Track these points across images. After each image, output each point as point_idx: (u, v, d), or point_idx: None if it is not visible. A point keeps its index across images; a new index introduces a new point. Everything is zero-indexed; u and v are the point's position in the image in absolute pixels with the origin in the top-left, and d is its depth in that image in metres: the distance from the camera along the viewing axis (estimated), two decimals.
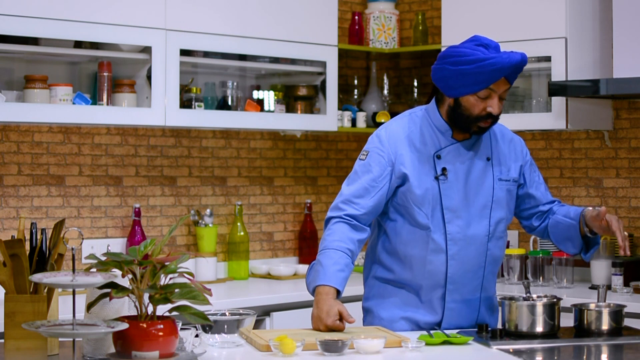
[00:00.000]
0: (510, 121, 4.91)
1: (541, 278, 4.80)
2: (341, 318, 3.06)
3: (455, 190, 3.24)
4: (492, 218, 3.27)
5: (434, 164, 3.24)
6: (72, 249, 2.60)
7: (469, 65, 3.16)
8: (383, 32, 5.44)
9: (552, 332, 3.10)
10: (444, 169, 3.23)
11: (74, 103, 4.29)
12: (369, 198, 3.24)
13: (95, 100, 4.43)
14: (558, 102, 4.70)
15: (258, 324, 4.37)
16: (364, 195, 3.24)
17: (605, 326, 3.13)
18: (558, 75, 4.67)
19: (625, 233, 3.21)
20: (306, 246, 5.34)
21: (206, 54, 4.73)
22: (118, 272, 2.62)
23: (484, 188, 3.27)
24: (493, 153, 3.32)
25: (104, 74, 4.42)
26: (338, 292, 3.14)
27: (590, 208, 3.30)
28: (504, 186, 3.30)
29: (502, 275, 4.93)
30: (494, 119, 3.22)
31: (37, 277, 2.53)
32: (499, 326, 3.17)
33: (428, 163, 3.24)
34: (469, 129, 3.23)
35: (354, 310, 3.19)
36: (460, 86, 3.19)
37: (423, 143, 3.26)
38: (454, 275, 3.24)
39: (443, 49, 5.03)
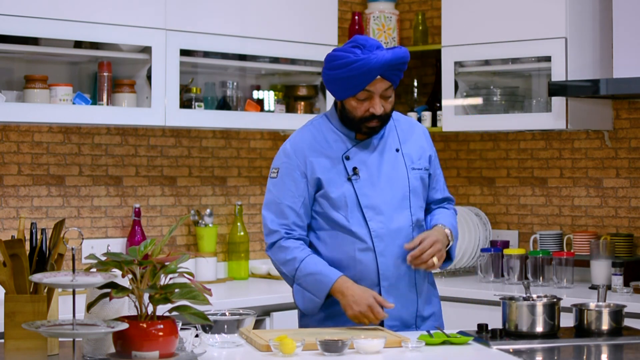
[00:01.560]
0: (510, 121, 4.93)
1: (541, 278, 4.80)
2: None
3: (371, 188, 3.24)
4: (412, 207, 3.27)
5: (344, 166, 3.25)
6: (72, 249, 2.60)
7: (341, 69, 3.16)
8: (383, 32, 5.44)
9: (552, 332, 3.10)
10: (354, 169, 3.24)
11: (74, 103, 4.29)
12: (295, 215, 3.24)
13: (95, 100, 4.43)
14: (558, 102, 4.70)
15: (258, 324, 4.37)
16: (289, 214, 3.24)
17: (605, 326, 3.13)
18: (558, 75, 4.67)
19: (431, 256, 3.15)
20: None
21: (206, 54, 4.73)
22: (118, 272, 2.62)
23: (399, 179, 3.27)
24: (401, 143, 3.32)
25: (104, 74, 4.42)
26: None
27: (431, 229, 3.24)
28: (417, 174, 3.30)
29: (502, 275, 4.93)
30: (381, 119, 3.21)
31: (37, 277, 2.53)
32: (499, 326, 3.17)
33: (339, 166, 3.25)
34: (359, 130, 3.23)
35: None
36: (339, 90, 3.20)
37: (329, 148, 3.26)
38: (385, 272, 3.23)
39: (443, 49, 5.07)
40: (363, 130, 3.24)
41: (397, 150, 3.30)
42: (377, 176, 3.25)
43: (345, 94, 3.20)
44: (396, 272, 3.24)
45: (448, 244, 3.27)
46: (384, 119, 3.23)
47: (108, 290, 2.61)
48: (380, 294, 3.22)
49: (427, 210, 3.41)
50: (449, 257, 3.32)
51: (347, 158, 3.25)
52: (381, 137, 3.31)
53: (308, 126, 3.34)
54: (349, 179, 3.24)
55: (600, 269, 4.66)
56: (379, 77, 3.16)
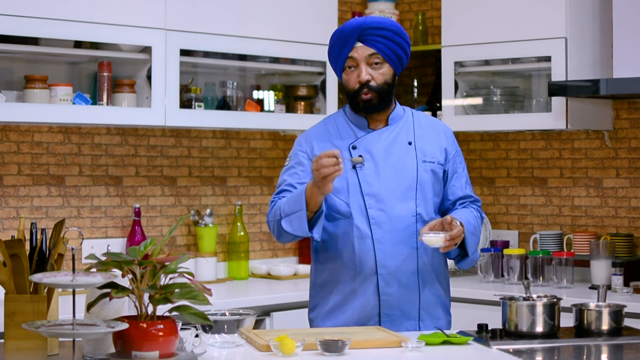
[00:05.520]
0: (510, 121, 4.93)
1: (541, 278, 4.80)
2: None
3: (375, 177, 3.27)
4: (418, 199, 3.28)
5: (350, 155, 3.29)
6: (72, 249, 2.60)
7: (329, 45, 3.32)
8: None
9: (552, 332, 3.10)
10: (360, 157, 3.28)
11: (74, 103, 4.29)
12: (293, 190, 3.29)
13: (95, 100, 4.43)
14: (558, 102, 4.70)
15: (258, 324, 4.37)
16: (288, 190, 3.28)
17: (605, 326, 3.13)
18: (558, 75, 4.68)
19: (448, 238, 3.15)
20: (306, 246, 5.33)
21: (206, 54, 4.73)
22: (118, 272, 2.62)
23: (407, 170, 3.29)
24: (416, 137, 3.35)
25: (104, 74, 4.42)
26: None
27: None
28: (428, 167, 3.32)
29: (502, 275, 4.94)
30: (373, 89, 3.26)
31: (37, 277, 2.53)
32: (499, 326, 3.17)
33: (345, 154, 3.28)
34: (358, 106, 3.29)
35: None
36: (334, 68, 3.34)
37: (339, 137, 3.34)
38: (383, 260, 3.22)
39: (443, 49, 5.07)
40: (361, 105, 3.28)
41: (410, 144, 3.33)
42: (383, 165, 3.28)
43: (337, 69, 3.32)
44: (395, 261, 3.23)
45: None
46: (377, 91, 3.26)
47: (108, 290, 2.61)
48: (378, 282, 3.23)
49: (448, 209, 3.39)
50: (466, 254, 3.30)
51: (354, 147, 3.30)
52: (394, 129, 3.34)
53: (324, 119, 3.44)
54: (354, 167, 3.27)
55: (600, 269, 4.66)
56: (359, 43, 3.25)
